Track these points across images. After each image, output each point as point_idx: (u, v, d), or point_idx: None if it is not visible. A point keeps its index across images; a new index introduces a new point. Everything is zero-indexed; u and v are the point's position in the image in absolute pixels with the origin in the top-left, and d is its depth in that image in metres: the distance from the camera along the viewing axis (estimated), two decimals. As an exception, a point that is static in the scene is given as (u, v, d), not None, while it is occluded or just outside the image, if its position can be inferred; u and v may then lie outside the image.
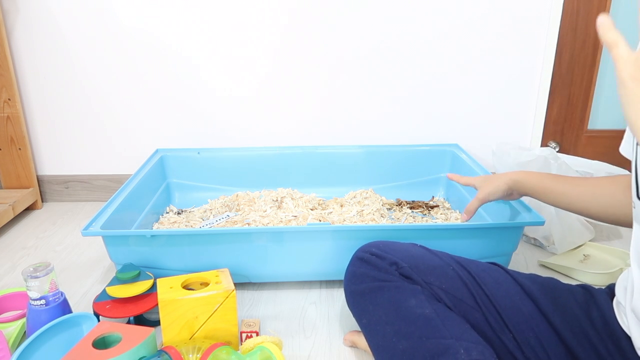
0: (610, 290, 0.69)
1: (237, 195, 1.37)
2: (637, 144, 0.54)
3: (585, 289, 0.71)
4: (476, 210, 0.99)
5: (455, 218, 1.29)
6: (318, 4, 1.36)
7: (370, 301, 0.75)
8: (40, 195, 1.51)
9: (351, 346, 0.88)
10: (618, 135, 0.78)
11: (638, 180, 0.55)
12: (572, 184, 0.83)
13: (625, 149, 0.68)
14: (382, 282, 0.75)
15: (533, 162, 1.18)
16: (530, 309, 0.69)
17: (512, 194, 0.95)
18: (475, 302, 0.71)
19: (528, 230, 1.26)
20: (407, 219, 1.30)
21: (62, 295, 0.86)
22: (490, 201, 0.97)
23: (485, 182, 0.97)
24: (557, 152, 1.42)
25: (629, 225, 0.74)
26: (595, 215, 0.80)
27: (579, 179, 0.84)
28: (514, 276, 0.74)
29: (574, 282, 0.77)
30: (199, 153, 1.42)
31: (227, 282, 0.83)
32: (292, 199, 1.32)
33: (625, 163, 0.85)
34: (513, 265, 1.13)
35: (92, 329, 0.77)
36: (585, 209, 0.81)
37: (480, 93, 1.45)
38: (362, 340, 0.83)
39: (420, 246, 0.83)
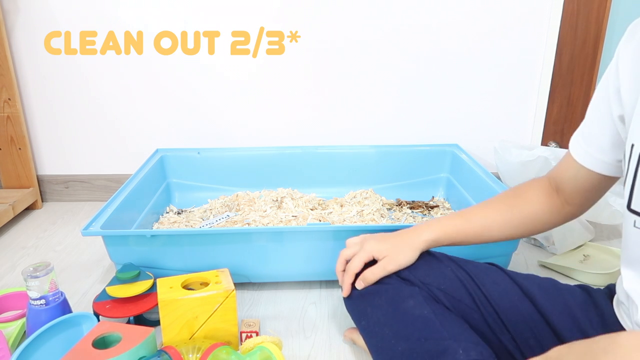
0: (609, 290, 0.69)
1: (237, 195, 1.37)
2: None
3: (583, 289, 0.71)
4: (378, 279, 0.76)
5: (455, 218, 1.29)
6: (316, 10, 1.36)
7: (368, 303, 0.75)
8: (40, 195, 1.51)
9: (350, 341, 0.88)
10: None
11: (634, 191, 0.55)
12: (488, 218, 0.78)
13: (589, 159, 0.68)
14: (380, 284, 0.75)
15: (534, 162, 1.18)
16: (529, 309, 0.69)
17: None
18: (473, 303, 0.71)
19: (528, 231, 1.26)
20: (407, 219, 1.30)
21: (62, 295, 0.86)
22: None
23: (393, 251, 0.76)
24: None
25: (550, 229, 0.78)
26: (522, 235, 0.79)
27: (495, 211, 0.78)
28: (512, 276, 0.74)
29: (574, 283, 0.77)
30: (199, 153, 1.42)
31: (227, 282, 0.83)
32: (292, 199, 1.32)
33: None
34: (513, 266, 1.13)
35: (92, 328, 0.77)
36: (511, 236, 0.78)
37: (481, 93, 1.45)
38: (361, 339, 0.83)
39: None
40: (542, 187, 0.76)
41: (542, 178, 0.78)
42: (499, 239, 0.78)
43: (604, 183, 0.69)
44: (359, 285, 0.77)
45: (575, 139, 0.70)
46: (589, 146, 0.67)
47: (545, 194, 0.75)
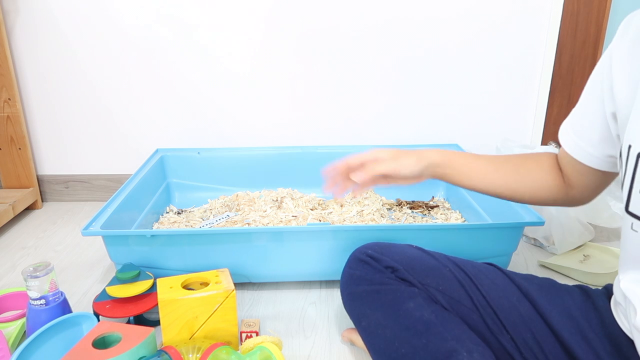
0: (607, 291, 0.69)
1: (237, 195, 1.37)
2: (638, 155, 0.53)
3: (582, 289, 0.71)
4: (378, 174, 0.74)
5: (455, 218, 1.29)
6: (316, 9, 1.36)
7: (368, 305, 0.75)
8: (40, 195, 1.51)
9: (349, 342, 0.88)
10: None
11: (632, 193, 0.55)
12: (495, 163, 0.77)
13: (579, 150, 0.68)
14: (379, 285, 0.75)
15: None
16: (528, 309, 0.69)
17: (421, 177, 0.80)
18: (472, 303, 0.71)
19: (528, 231, 1.26)
20: (407, 219, 1.30)
21: (62, 295, 0.86)
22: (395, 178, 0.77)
23: (396, 156, 0.77)
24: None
25: (551, 204, 0.77)
26: (519, 197, 0.77)
27: (502, 158, 0.78)
28: (511, 277, 0.74)
29: (573, 283, 0.77)
30: (199, 153, 1.42)
31: (227, 282, 0.83)
32: (292, 199, 1.32)
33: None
34: (513, 266, 1.13)
35: (92, 328, 0.77)
36: (508, 191, 0.76)
37: (481, 93, 1.45)
38: (360, 339, 0.83)
39: (417, 247, 0.83)
40: (550, 160, 0.76)
41: (551, 153, 0.77)
42: (499, 192, 0.76)
43: (599, 177, 0.69)
44: (357, 177, 0.71)
45: (565, 131, 0.70)
46: (580, 139, 0.67)
47: (552, 168, 0.75)
